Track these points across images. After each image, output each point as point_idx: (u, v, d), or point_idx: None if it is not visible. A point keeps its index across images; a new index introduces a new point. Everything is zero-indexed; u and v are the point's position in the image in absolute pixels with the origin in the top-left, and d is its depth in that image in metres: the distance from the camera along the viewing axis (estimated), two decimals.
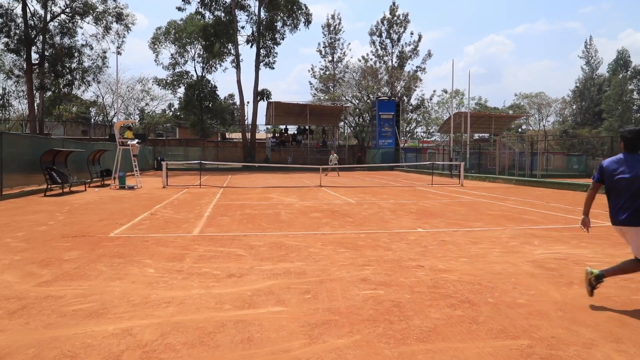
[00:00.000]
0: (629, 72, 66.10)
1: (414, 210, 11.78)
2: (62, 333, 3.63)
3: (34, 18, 38.20)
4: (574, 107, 72.28)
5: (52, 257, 6.21)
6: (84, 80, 41.51)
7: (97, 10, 39.85)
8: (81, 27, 41.23)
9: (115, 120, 49.43)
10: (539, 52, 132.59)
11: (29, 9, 37.27)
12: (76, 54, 40.44)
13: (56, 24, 39.61)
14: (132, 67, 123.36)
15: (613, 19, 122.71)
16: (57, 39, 39.80)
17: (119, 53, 38.54)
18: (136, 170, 20.34)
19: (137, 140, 20.71)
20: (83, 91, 44.13)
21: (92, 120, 62.84)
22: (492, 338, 3.59)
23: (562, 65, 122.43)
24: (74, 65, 40.51)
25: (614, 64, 67.45)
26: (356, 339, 3.55)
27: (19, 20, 37.03)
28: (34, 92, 38.75)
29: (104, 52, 42.95)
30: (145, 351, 3.31)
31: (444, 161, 35.38)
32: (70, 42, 40.38)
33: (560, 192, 18.61)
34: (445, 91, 68.62)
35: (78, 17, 39.56)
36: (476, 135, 54.41)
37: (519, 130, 68.17)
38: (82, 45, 41.26)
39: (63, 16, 39.39)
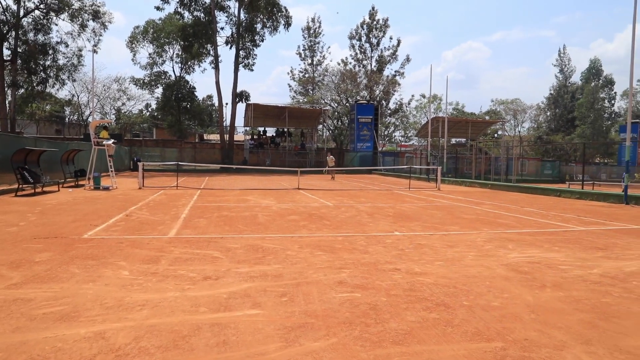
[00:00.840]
0: (600, 81, 67.85)
1: (391, 214, 11.85)
2: (32, 337, 3.53)
3: (6, 13, 37.32)
4: (548, 113, 73.81)
5: (22, 259, 6.06)
6: (59, 79, 40.65)
7: (73, 7, 39.12)
8: (56, 24, 40.19)
9: (90, 119, 48.58)
10: (514, 59, 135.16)
11: (1, 4, 36.46)
12: (50, 51, 39.60)
13: (30, 20, 38.75)
14: (108, 66, 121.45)
15: (585, 29, 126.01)
16: (31, 35, 38.93)
17: (95, 51, 37.91)
18: (111, 171, 20.01)
19: (112, 140, 20.39)
20: (57, 89, 43.16)
21: (67, 119, 61.62)
22: (466, 340, 3.63)
23: (536, 72, 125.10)
24: (48, 62, 39.66)
25: (587, 72, 69.14)
26: (332, 341, 3.55)
27: None
28: (6, 89, 37.78)
29: (80, 50, 42.19)
30: (118, 355, 3.25)
31: (421, 165, 35.73)
32: (45, 39, 39.54)
33: (534, 196, 18.97)
34: (424, 96, 69.41)
35: (53, 14, 38.76)
36: (453, 140, 55.14)
37: (495, 135, 69.35)
38: (57, 43, 40.46)
39: (37, 12, 38.58)
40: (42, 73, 39.38)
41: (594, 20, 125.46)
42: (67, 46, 41.29)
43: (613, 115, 68.90)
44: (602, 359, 3.34)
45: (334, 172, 31.07)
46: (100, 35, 42.15)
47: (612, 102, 68.99)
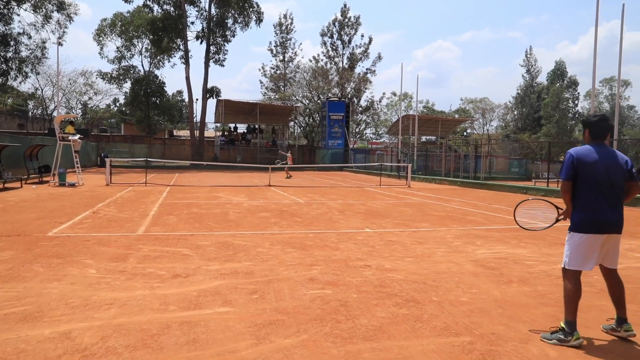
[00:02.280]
0: (565, 82, 69.79)
1: (362, 211, 11.93)
2: None
3: None
4: (515, 112, 75.47)
5: None
6: (21, 71, 39.25)
7: None
8: (18, 14, 38.66)
9: (55, 114, 47.22)
10: (483, 59, 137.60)
11: None
12: (12, 43, 38.19)
13: None
14: (74, 59, 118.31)
15: (551, 31, 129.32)
16: None
17: (60, 44, 36.54)
18: (78, 167, 19.49)
19: (79, 136, 19.88)
20: (20, 82, 41.75)
21: (30, 113, 59.69)
22: (435, 335, 3.69)
23: (504, 72, 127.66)
24: (9, 54, 38.24)
25: (552, 73, 70.98)
26: (303, 338, 3.56)
27: None
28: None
29: (44, 42, 40.82)
30: (84, 355, 3.18)
31: (392, 162, 36.07)
32: (5, 29, 38.08)
33: (501, 194, 19.39)
34: (395, 94, 70.07)
35: (14, 3, 37.37)
36: (423, 138, 55.82)
37: (465, 133, 70.57)
38: (19, 34, 38.99)
39: None
40: (3, 65, 37.93)
41: (559, 23, 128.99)
42: (30, 38, 39.91)
43: (577, 115, 70.98)
44: (564, 352, 3.45)
45: (285, 169, 28.89)
46: (66, 27, 41.03)
47: (576, 102, 71.10)
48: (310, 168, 39.91)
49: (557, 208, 4.16)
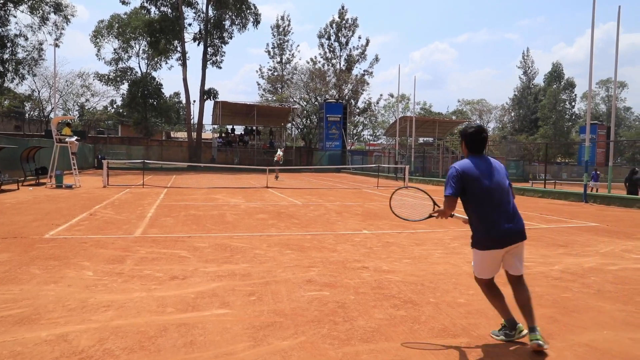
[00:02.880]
0: (562, 84, 70.00)
1: (360, 212, 11.93)
2: None
3: None
4: (512, 114, 75.68)
5: None
6: (18, 73, 39.15)
7: None
8: (15, 16, 38.57)
9: (52, 115, 47.11)
10: (480, 60, 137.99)
11: None
12: (9, 44, 38.10)
13: None
14: (71, 61, 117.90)
15: (547, 33, 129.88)
16: None
17: (57, 45, 36.49)
18: (75, 169, 19.44)
19: (76, 138, 19.83)
20: (17, 84, 41.61)
21: (27, 115, 59.51)
22: (433, 337, 3.69)
23: (501, 74, 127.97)
24: (6, 56, 38.15)
25: (549, 75, 71.19)
26: (301, 340, 3.56)
27: None
28: None
29: (41, 44, 40.76)
30: (81, 358, 3.17)
31: (389, 164, 36.10)
32: (2, 31, 38.02)
33: None
34: (392, 95, 70.19)
35: (11, 5, 37.26)
36: (421, 139, 55.88)
37: None
38: (16, 35, 38.91)
39: None
40: None
41: (555, 25, 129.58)
42: (26, 39, 39.82)
43: (574, 117, 71.24)
44: (562, 352, 3.45)
45: (276, 170, 26.83)
46: (63, 29, 40.76)
47: (573, 104, 71.36)
48: (307, 170, 39.92)
49: (435, 204, 4.03)
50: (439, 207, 3.84)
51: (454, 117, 71.13)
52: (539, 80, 73.95)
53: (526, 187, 21.77)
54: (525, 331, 3.54)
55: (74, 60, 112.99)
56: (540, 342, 3.38)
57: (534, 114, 70.28)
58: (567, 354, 3.44)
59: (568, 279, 5.59)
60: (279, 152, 27.32)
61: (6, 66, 38.16)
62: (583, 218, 11.86)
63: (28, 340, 3.43)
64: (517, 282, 3.72)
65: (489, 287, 3.71)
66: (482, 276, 3.67)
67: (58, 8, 39.09)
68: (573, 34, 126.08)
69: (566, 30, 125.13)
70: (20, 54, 39.50)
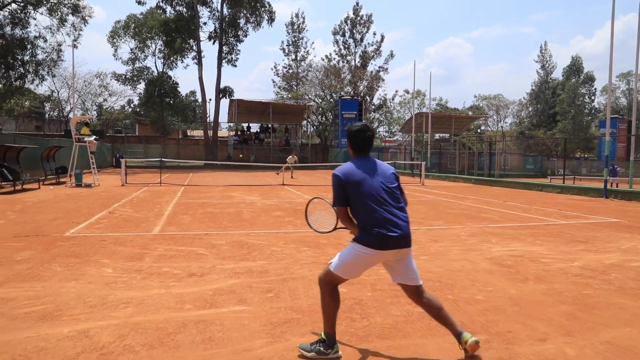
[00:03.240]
0: (581, 78, 68.85)
1: None
2: (13, 337, 3.48)
3: None
4: (530, 109, 74.70)
5: (2, 258, 5.95)
6: (38, 74, 39.84)
7: (52, 0, 38.33)
8: (34, 18, 39.33)
9: (71, 115, 47.81)
10: (495, 55, 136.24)
11: None
12: (29, 46, 38.77)
13: (6, 13, 37.85)
14: (89, 61, 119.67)
15: (565, 26, 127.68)
16: (8, 29, 38.03)
17: (75, 46, 37.06)
18: (93, 168, 19.74)
19: (94, 137, 20.10)
20: (37, 85, 42.33)
21: (47, 115, 60.49)
22: (451, 334, 3.66)
23: (517, 69, 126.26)
24: (26, 57, 38.83)
25: (568, 69, 70.06)
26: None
27: None
28: None
29: (59, 45, 41.39)
30: (102, 353, 3.22)
31: (405, 160, 35.93)
32: (22, 33, 38.68)
33: (516, 191, 19.21)
34: (407, 91, 69.73)
35: (31, 7, 37.90)
36: (437, 135, 55.49)
37: (478, 131, 69.99)
38: (36, 37, 39.58)
39: (14, 5, 37.72)
40: (20, 68, 38.55)
41: (573, 18, 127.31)
42: (45, 41, 40.49)
43: (593, 111, 70.05)
44: (582, 350, 3.41)
45: (290, 168, 26.97)
46: (80, 29, 41.35)
47: (593, 97, 70.16)
48: (323, 167, 39.91)
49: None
50: None
51: (470, 113, 70.46)
52: (557, 74, 72.88)
53: (544, 182, 21.49)
54: (340, 352, 3.26)
55: (92, 61, 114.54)
56: (475, 338, 3.20)
57: (552, 108, 69.25)
58: (588, 351, 3.39)
59: (588, 275, 5.50)
60: (290, 157, 27.35)
61: (26, 67, 38.86)
62: (603, 214, 11.67)
63: (51, 336, 3.49)
64: (419, 294, 3.39)
65: (335, 291, 3.33)
66: (342, 275, 3.28)
67: (76, 9, 39.64)
68: (592, 27, 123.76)
69: (584, 23, 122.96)
70: (40, 56, 40.20)
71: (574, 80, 67.54)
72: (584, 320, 4.01)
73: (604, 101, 70.77)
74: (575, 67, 69.49)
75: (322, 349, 3.24)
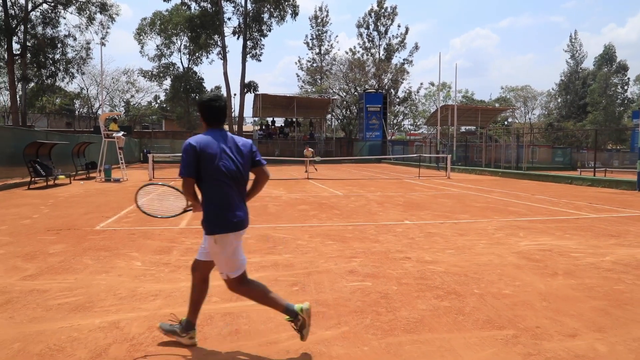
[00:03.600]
0: (614, 67, 66.84)
1: (401, 203, 11.83)
2: (48, 327, 3.59)
3: (14, 7, 37.38)
4: (559, 100, 73.00)
5: (36, 251, 6.14)
6: (68, 72, 40.78)
7: (80, 0, 39.13)
8: (64, 17, 40.50)
9: (100, 112, 48.82)
10: (523, 45, 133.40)
11: None
12: (59, 45, 39.69)
13: (38, 13, 38.79)
14: (117, 59, 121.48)
15: (596, 14, 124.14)
16: (39, 29, 39.00)
17: (103, 44, 37.99)
18: (122, 163, 20.13)
19: (122, 133, 20.47)
20: (67, 83, 43.41)
21: (77, 112, 61.97)
22: (478, 328, 3.63)
23: (545, 59, 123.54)
24: (57, 56, 39.77)
25: (600, 58, 68.10)
26: (344, 330, 3.57)
27: None
28: (16, 83, 37.99)
29: (88, 43, 42.27)
30: (132, 344, 3.29)
31: (431, 154, 35.58)
32: (53, 32, 39.61)
33: (545, 184, 18.83)
34: (432, 84, 68.97)
35: (61, 7, 38.77)
36: (463, 128, 54.77)
37: (505, 123, 68.78)
38: (65, 36, 40.50)
39: (45, 6, 38.61)
40: (51, 67, 39.54)
41: (605, 5, 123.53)
42: (75, 39, 41.40)
43: (626, 101, 67.97)
44: (615, 347, 3.33)
45: (311, 162, 25.99)
46: (108, 27, 42.17)
47: (625, 87, 68.03)
48: (348, 160, 39.85)
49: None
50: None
51: (497, 105, 69.26)
52: (587, 64, 70.95)
53: (574, 175, 21.01)
54: (196, 339, 3.30)
55: (119, 58, 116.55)
56: (307, 303, 3.24)
57: (582, 99, 67.53)
58: (620, 348, 3.31)
59: (620, 270, 5.37)
60: (306, 151, 26.85)
61: (57, 66, 39.82)
62: (636, 207, 11.34)
63: (83, 327, 3.59)
64: (206, 276, 3.41)
65: (248, 284, 3.28)
66: (236, 271, 3.20)
67: (104, 8, 40.38)
68: (625, 14, 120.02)
69: (617, 10, 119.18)
70: (70, 54, 41.13)
71: (605, 69, 65.62)
72: (616, 317, 3.92)
73: (637, 91, 68.67)
74: (607, 56, 67.48)
75: (177, 330, 3.30)
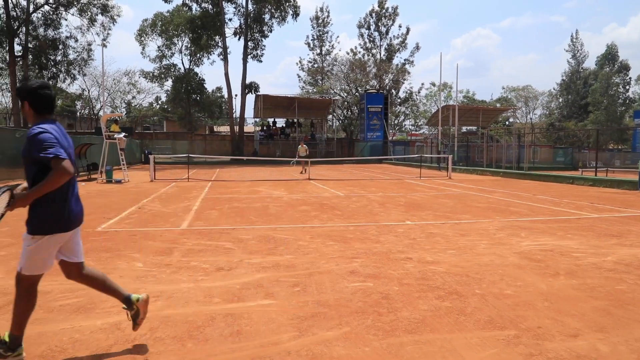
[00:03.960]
0: (615, 67, 66.68)
1: (403, 203, 11.83)
2: (50, 328, 3.60)
3: (16, 9, 37.51)
4: (560, 100, 72.88)
5: None
6: (69, 73, 40.94)
7: (82, 1, 39.21)
8: (65, 19, 40.57)
9: (101, 113, 48.89)
10: (524, 45, 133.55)
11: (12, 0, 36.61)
12: (60, 46, 39.83)
13: (39, 15, 38.94)
14: (118, 60, 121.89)
15: (597, 13, 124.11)
16: (41, 30, 39.14)
17: (104, 45, 37.98)
18: (123, 164, 20.14)
19: (123, 134, 20.49)
20: (68, 84, 43.64)
21: (78, 113, 62.10)
22: (479, 329, 3.63)
23: (547, 59, 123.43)
24: (58, 57, 39.92)
25: (602, 58, 67.94)
26: (345, 330, 3.57)
27: (0, 11, 36.34)
28: (18, 84, 38.07)
29: (89, 45, 42.40)
30: (134, 345, 3.30)
31: (432, 154, 35.55)
32: (55, 33, 39.75)
33: (546, 184, 18.81)
34: (434, 84, 68.93)
35: (62, 9, 38.91)
36: (464, 128, 54.72)
37: (507, 123, 68.72)
38: (67, 37, 40.66)
39: (46, 7, 38.74)
40: (52, 68, 39.66)
41: (606, 4, 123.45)
42: (76, 41, 41.53)
43: (627, 101, 67.79)
44: (616, 347, 3.32)
45: (304, 162, 24.70)
46: (109, 29, 42.30)
47: (627, 87, 67.84)
48: (349, 161, 39.84)
49: (12, 195, 2.85)
50: (20, 194, 2.88)
51: (498, 105, 69.21)
52: (588, 63, 70.79)
53: (575, 175, 20.97)
54: (24, 354, 3.01)
55: (121, 59, 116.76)
56: (139, 295, 3.29)
57: (583, 99, 67.37)
58: (622, 348, 3.31)
59: (622, 270, 5.36)
60: (300, 147, 26.45)
61: (59, 67, 39.94)
62: (638, 207, 11.32)
63: (85, 328, 3.60)
64: (82, 270, 3.25)
65: (33, 289, 3.01)
66: (36, 272, 2.96)
67: (105, 9, 40.51)
68: (626, 13, 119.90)
69: (618, 10, 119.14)
70: (71, 55, 41.29)
71: (607, 69, 65.48)
72: (618, 317, 3.91)
73: (639, 90, 68.52)
74: (610, 56, 67.29)
75: (2, 351, 2.92)
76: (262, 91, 47.81)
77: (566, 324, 3.73)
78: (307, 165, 23.59)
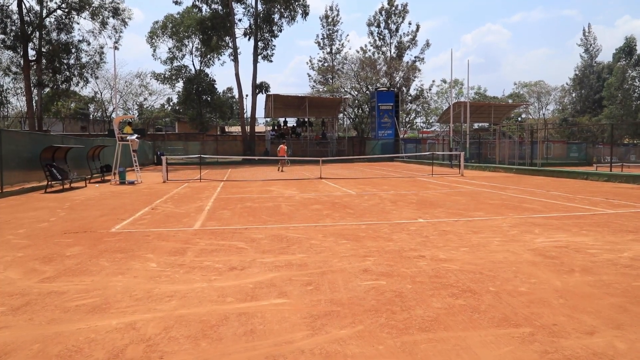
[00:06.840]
0: (632, 60, 65.60)
1: (415, 201, 11.78)
2: (66, 328, 3.64)
3: (29, 14, 37.97)
4: (574, 95, 71.97)
5: (54, 253, 6.22)
6: (82, 76, 41.30)
7: (93, 5, 39.56)
8: (78, 23, 40.91)
9: (114, 115, 49.33)
10: (535, 40, 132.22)
11: (25, 5, 37.03)
12: (73, 50, 40.22)
13: (52, 19, 39.37)
14: (129, 62, 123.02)
15: (610, 6, 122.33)
16: (54, 35, 39.57)
17: (116, 48, 38.03)
18: (136, 166, 20.32)
19: (136, 136, 20.66)
20: (81, 87, 43.91)
21: (91, 116, 62.70)
22: (494, 326, 3.60)
23: (559, 53, 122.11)
24: (71, 61, 40.31)
25: (619, 51, 66.82)
26: (359, 329, 3.57)
27: (15, 16, 36.79)
28: (32, 88, 38.58)
29: (101, 48, 42.73)
30: (148, 345, 3.32)
31: (443, 151, 35.35)
32: (67, 37, 40.15)
33: (560, 180, 18.61)
34: (444, 81, 68.42)
35: (74, 13, 39.28)
36: (476, 125, 54.37)
37: (519, 119, 68.09)
38: (79, 41, 41.02)
39: (59, 12, 39.14)
40: (66, 72, 40.06)
41: None
42: (89, 44, 41.90)
43: None
44: (634, 344, 3.28)
45: (283, 161, 26.78)
46: (121, 32, 42.65)
47: None
48: (360, 159, 39.78)
49: None
50: None
51: (510, 101, 68.59)
52: (602, 57, 69.78)
53: (590, 171, 20.73)
54: None
55: (132, 62, 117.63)
56: None
57: (597, 93, 66.44)
58: (639, 345, 3.26)
59: (639, 266, 5.28)
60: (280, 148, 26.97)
61: (72, 71, 40.36)
62: None
63: (100, 328, 3.63)
64: None
65: None
66: None
67: (116, 12, 40.85)
68: None
69: (632, 1, 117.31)
70: (84, 59, 41.65)
71: (623, 62, 64.45)
72: (634, 313, 3.86)
73: None
74: (628, 49, 66.17)
75: None
76: (273, 91, 47.98)
77: (582, 321, 3.68)
78: (287, 164, 24.46)
